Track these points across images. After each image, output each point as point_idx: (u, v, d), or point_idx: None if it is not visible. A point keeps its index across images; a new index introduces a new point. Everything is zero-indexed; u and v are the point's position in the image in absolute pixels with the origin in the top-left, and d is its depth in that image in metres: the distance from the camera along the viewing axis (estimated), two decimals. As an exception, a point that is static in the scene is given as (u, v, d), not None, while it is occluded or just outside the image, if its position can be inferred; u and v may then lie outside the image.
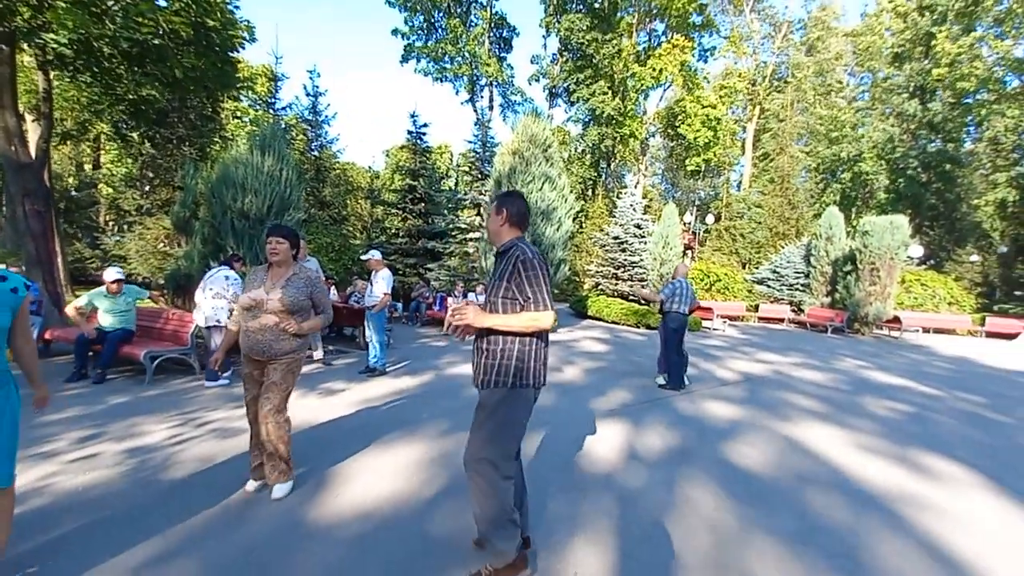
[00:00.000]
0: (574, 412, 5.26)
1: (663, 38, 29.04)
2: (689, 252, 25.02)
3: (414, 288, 13.01)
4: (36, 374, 2.27)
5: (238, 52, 11.39)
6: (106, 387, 5.33)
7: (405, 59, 29.08)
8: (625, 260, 16.41)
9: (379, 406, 5.15)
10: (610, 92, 27.55)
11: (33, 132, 11.17)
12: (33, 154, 10.76)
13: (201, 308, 5.72)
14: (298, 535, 2.67)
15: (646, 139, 31.93)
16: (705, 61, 31.05)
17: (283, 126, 13.12)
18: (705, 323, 14.29)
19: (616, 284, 16.52)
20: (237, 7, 10.93)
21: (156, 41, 9.21)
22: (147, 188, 22.43)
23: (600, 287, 17.03)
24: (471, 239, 15.27)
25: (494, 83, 30.18)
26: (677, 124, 29.62)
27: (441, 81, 29.72)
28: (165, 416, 4.47)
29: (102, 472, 3.29)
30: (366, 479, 3.37)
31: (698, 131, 28.43)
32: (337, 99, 66.51)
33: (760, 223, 23.90)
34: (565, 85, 29.51)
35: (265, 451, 3.02)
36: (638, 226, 17.08)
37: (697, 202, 36.03)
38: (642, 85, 27.18)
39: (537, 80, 31.45)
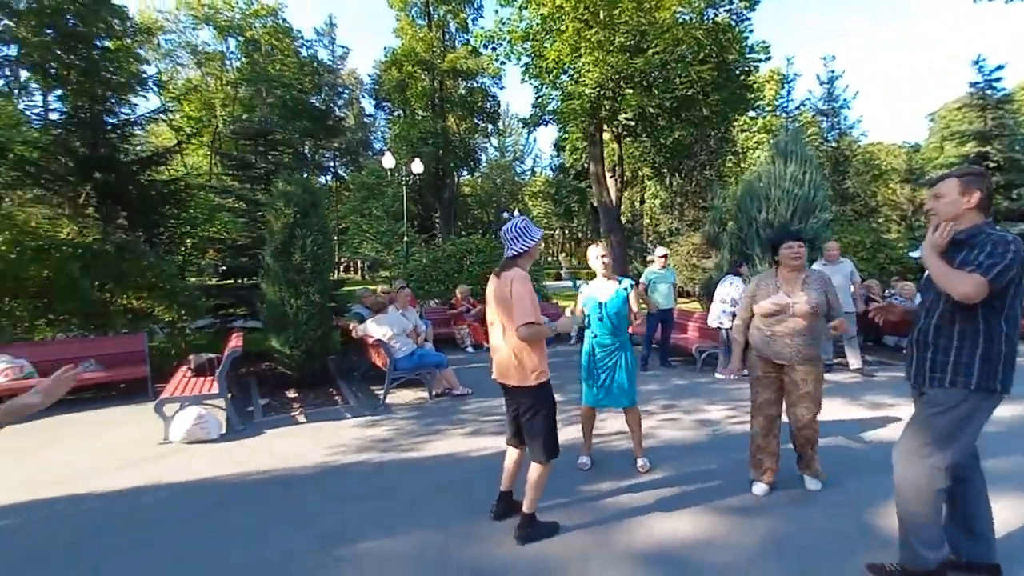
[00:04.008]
0: None
1: None
2: None
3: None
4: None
5: (755, 74, 12.14)
6: (671, 371, 6.94)
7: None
8: None
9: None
10: None
11: (612, 186, 15.94)
12: (614, 201, 15.27)
13: (713, 312, 6.55)
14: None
15: None
16: None
17: (798, 126, 12.82)
18: None
19: None
20: (751, 31, 11.68)
21: (689, 92, 11.18)
22: (677, 212, 27.05)
23: None
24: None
25: None
26: None
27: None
28: (714, 399, 5.41)
29: (685, 432, 4.41)
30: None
31: None
32: (857, 77, 58.02)
33: None
34: None
35: (802, 451, 3.23)
36: None
37: None
38: None
39: None
